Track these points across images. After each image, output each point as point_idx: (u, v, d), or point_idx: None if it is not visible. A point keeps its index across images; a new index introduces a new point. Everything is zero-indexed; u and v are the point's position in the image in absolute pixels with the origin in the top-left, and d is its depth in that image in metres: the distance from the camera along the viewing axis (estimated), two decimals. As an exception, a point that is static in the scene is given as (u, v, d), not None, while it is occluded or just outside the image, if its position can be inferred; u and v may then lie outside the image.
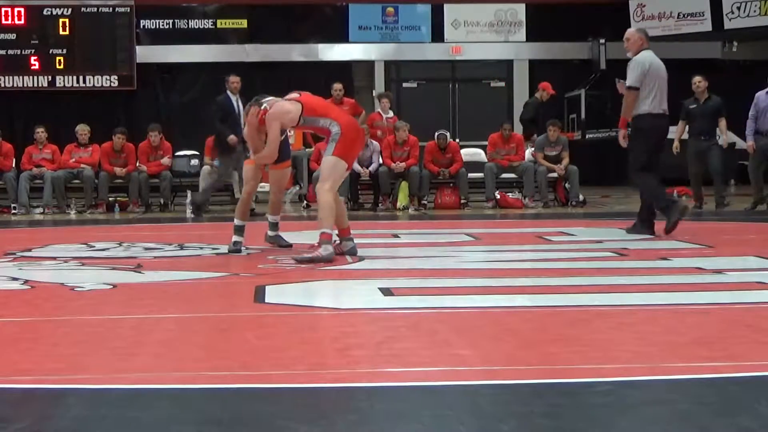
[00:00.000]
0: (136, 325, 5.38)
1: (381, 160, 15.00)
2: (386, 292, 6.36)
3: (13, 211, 14.80)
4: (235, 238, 8.72)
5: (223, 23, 20.94)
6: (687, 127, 14.16)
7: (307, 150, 16.08)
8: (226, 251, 8.68)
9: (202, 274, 7.36)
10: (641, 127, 9.93)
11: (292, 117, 8.17)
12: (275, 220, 9.03)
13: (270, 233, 9.04)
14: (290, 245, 8.90)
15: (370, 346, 4.73)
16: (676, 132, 14.33)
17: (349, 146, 8.17)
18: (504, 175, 15.51)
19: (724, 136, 14.06)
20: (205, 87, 20.37)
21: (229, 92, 14.27)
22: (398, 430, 3.44)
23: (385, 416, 3.59)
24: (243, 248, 8.71)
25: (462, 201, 15.06)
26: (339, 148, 8.04)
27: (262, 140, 8.41)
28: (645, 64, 9.90)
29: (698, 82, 14.11)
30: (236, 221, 8.78)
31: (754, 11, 19.72)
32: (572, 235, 10.68)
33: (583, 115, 20.87)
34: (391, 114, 15.92)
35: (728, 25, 19.99)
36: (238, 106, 13.98)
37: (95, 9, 19.89)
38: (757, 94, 13.74)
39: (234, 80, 14.37)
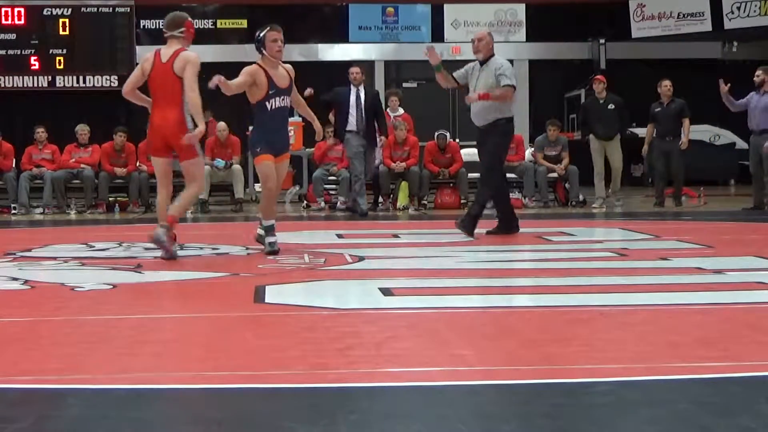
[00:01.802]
0: (136, 325, 5.38)
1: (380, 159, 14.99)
2: (386, 292, 6.36)
3: (13, 211, 14.79)
4: (268, 239, 8.54)
5: (223, 23, 20.92)
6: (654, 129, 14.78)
7: (307, 150, 16.07)
8: (265, 253, 8.46)
9: (202, 274, 7.36)
10: (505, 130, 9.99)
11: None
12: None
13: (259, 232, 8.74)
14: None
15: (370, 346, 4.73)
16: (646, 134, 14.96)
17: (149, 144, 8.45)
18: (504, 175, 15.48)
19: (686, 138, 14.53)
20: (204, 87, 20.35)
21: (351, 84, 13.98)
22: (398, 430, 3.44)
23: (385, 416, 3.59)
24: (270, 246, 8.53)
25: (462, 201, 15.05)
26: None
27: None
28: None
29: (665, 86, 14.70)
30: (264, 222, 8.63)
31: (754, 11, 19.72)
32: (572, 235, 10.69)
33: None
34: (400, 111, 15.80)
35: (728, 25, 19.98)
36: (357, 97, 13.86)
37: (95, 9, 19.87)
38: (751, 93, 13.87)
39: (353, 71, 14.10)
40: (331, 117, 15.39)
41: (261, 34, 8.57)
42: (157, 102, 8.22)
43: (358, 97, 13.81)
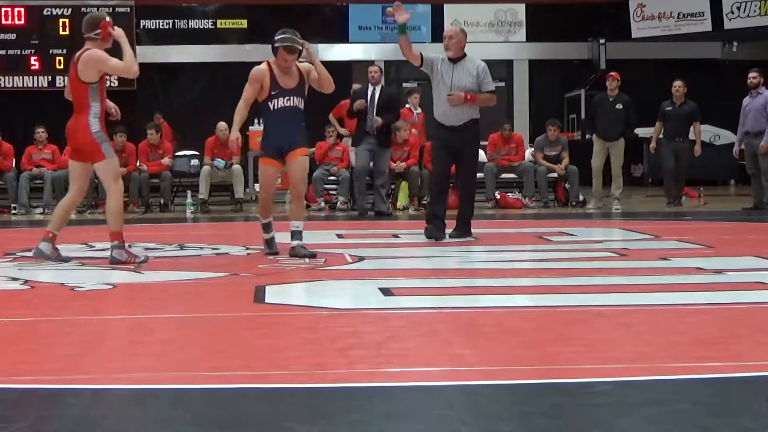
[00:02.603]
0: (136, 325, 5.38)
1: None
2: (386, 292, 6.36)
3: (13, 211, 14.80)
4: (266, 235, 8.49)
5: (223, 23, 20.93)
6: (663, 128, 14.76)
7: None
8: (265, 253, 8.41)
9: (202, 274, 7.36)
10: (476, 132, 9.75)
11: None
12: (297, 228, 8.41)
13: (292, 243, 8.38)
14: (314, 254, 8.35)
15: (370, 346, 4.73)
16: (654, 132, 14.88)
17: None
18: (504, 175, 15.49)
19: (698, 145, 14.45)
20: (205, 87, 20.36)
21: (369, 83, 13.94)
22: (398, 430, 3.44)
23: (385, 416, 3.59)
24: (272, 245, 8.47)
25: (462, 201, 15.02)
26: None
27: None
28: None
29: (678, 86, 14.62)
30: (262, 219, 8.57)
31: (754, 11, 19.72)
32: (572, 235, 10.69)
33: (582, 115, 20.85)
34: (420, 110, 15.70)
35: (728, 25, 19.99)
36: (372, 96, 13.75)
37: (95, 9, 19.84)
38: (744, 99, 13.89)
39: (372, 70, 14.05)
40: (331, 117, 15.36)
41: (277, 45, 8.28)
42: (73, 105, 8.19)
43: (372, 96, 13.79)
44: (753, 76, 13.75)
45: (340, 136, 15.21)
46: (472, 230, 9.83)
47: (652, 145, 14.80)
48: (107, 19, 8.15)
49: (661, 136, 14.76)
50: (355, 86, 14.15)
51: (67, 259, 8.14)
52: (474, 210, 10.06)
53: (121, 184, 8.22)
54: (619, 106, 14.57)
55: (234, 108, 8.44)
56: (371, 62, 20.90)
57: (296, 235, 8.35)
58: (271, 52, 8.41)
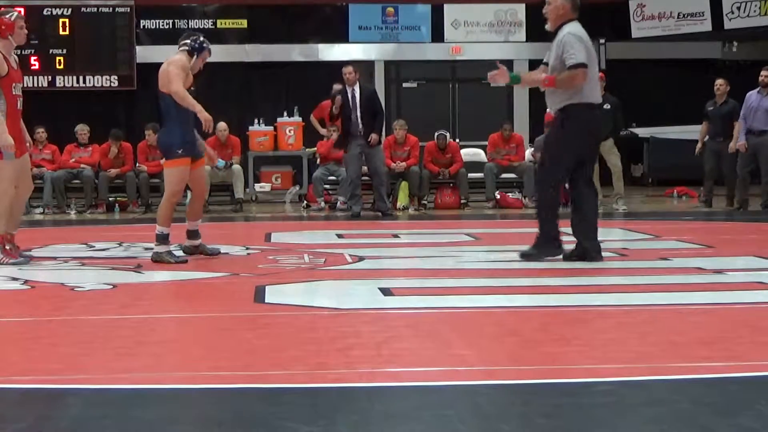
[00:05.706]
0: (136, 325, 5.38)
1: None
2: (386, 292, 6.36)
3: (13, 211, 14.78)
4: (167, 247, 8.00)
5: (223, 23, 20.90)
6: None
7: (307, 150, 16.05)
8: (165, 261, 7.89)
9: (202, 274, 7.36)
10: (575, 121, 7.71)
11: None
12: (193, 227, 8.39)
13: (194, 242, 8.36)
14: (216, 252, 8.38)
15: (370, 346, 4.73)
16: (700, 133, 14.61)
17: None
18: (504, 175, 15.48)
19: (733, 142, 13.94)
20: (204, 87, 20.33)
21: (345, 85, 13.72)
22: (398, 430, 3.44)
23: (385, 416, 3.59)
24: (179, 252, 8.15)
25: (462, 201, 15.04)
26: None
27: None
28: (586, 40, 7.75)
29: (719, 85, 14.36)
30: (163, 230, 8.01)
31: (754, 11, 19.70)
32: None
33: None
34: None
35: (728, 25, 19.97)
36: (353, 97, 13.57)
37: (95, 9, 19.85)
38: (749, 94, 13.82)
39: (347, 71, 13.75)
40: (312, 118, 15.27)
41: (204, 45, 8.66)
42: None
43: (353, 97, 13.64)
44: (765, 75, 13.65)
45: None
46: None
47: (698, 147, 14.47)
48: (7, 17, 8.51)
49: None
50: (336, 86, 14.04)
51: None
52: (549, 217, 7.86)
53: (12, 189, 8.02)
54: (606, 106, 14.43)
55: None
56: (371, 62, 20.97)
57: (196, 234, 8.37)
58: (190, 52, 8.50)
